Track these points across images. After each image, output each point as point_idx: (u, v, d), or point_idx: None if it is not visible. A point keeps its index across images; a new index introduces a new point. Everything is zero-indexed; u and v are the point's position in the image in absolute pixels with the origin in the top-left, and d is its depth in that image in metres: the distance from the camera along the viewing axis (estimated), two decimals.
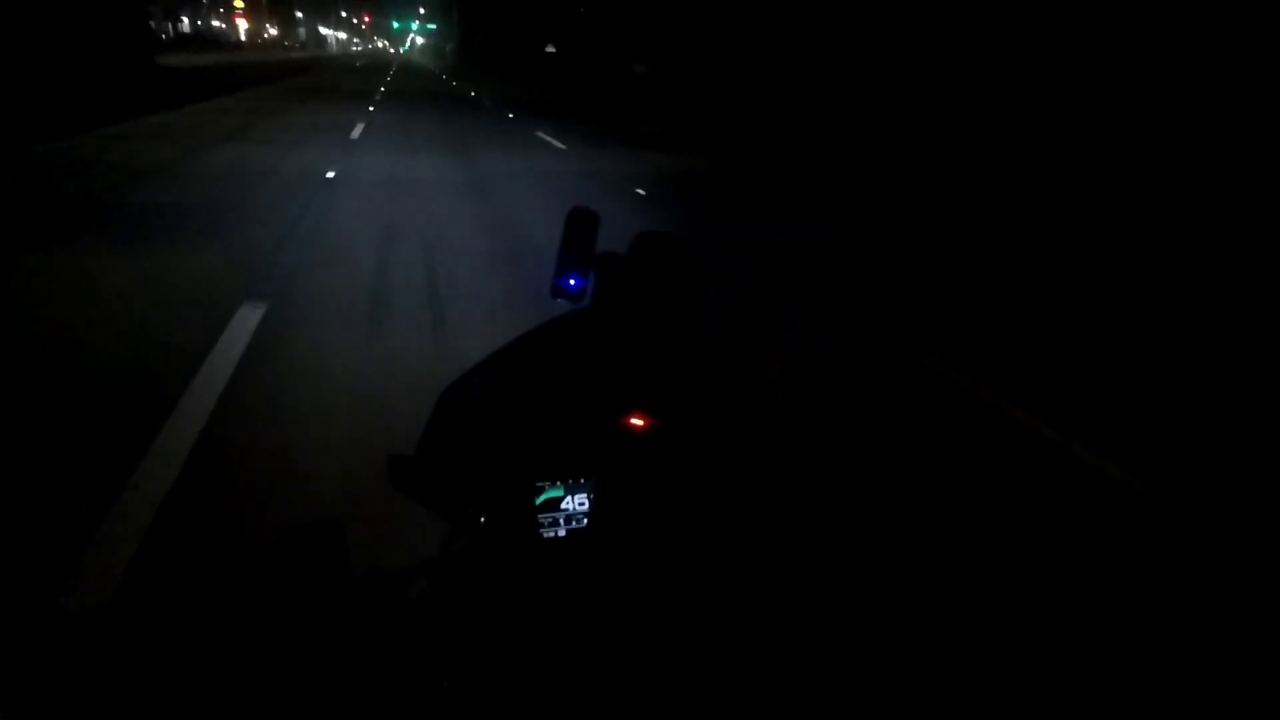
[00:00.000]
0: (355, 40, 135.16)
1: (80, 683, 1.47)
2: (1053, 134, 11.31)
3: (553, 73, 34.62)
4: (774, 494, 0.93)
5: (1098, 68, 11.04)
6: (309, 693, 0.79)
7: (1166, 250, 7.03)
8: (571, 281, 0.95)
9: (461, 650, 0.88)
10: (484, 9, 52.57)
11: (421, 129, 13.34)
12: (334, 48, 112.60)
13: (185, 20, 60.34)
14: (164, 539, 2.13)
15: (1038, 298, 5.29)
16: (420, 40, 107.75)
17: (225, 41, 60.11)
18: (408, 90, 24.10)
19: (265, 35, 78.81)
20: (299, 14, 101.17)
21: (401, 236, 5.87)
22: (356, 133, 11.95)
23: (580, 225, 0.95)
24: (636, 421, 0.91)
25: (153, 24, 45.66)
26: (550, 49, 38.66)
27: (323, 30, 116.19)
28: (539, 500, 0.94)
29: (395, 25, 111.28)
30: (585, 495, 0.95)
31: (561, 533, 0.95)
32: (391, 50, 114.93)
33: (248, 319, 3.82)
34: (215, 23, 68.14)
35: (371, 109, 15.98)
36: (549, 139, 13.23)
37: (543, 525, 0.94)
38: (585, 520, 0.95)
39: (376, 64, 50.68)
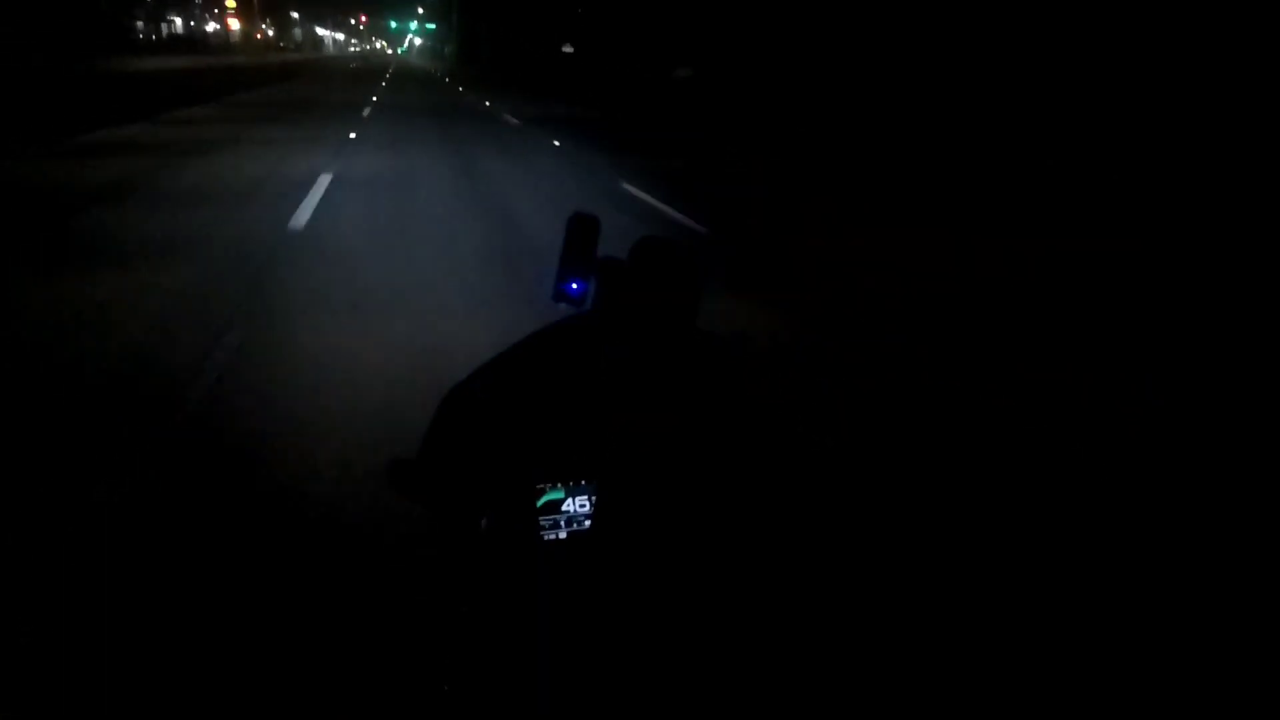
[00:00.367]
0: (353, 41, 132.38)
1: (80, 683, 1.44)
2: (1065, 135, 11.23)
3: (573, 77, 29.86)
4: (774, 495, 0.93)
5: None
6: (311, 694, 0.84)
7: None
8: (573, 286, 0.97)
9: (462, 651, 0.91)
10: (487, 7, 49.08)
11: (428, 172, 8.74)
12: (331, 49, 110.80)
13: (178, 21, 58.93)
14: None
15: None
16: (419, 42, 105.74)
17: (214, 43, 57.80)
18: (405, 102, 19.55)
19: (258, 36, 75.25)
20: (295, 15, 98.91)
21: None
22: (318, 191, 7.38)
23: (582, 230, 0.97)
24: (638, 424, 0.92)
25: (140, 24, 46.69)
26: (568, 49, 34.03)
27: (320, 31, 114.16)
28: (540, 502, 0.94)
29: (393, 26, 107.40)
30: (586, 497, 0.95)
31: (562, 535, 0.95)
32: (389, 51, 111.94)
33: None
34: (212, 25, 66.04)
35: (354, 135, 11.57)
36: (658, 204, 7.54)
37: (544, 527, 0.94)
38: (586, 522, 0.95)
39: (372, 66, 46.33)
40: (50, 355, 3.44)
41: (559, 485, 0.95)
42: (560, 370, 0.95)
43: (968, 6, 14.03)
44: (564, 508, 0.95)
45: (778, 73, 19.71)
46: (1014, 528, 1.77)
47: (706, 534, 0.92)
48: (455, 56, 67.16)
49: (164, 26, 55.96)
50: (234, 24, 68.08)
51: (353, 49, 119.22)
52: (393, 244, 5.68)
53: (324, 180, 7.75)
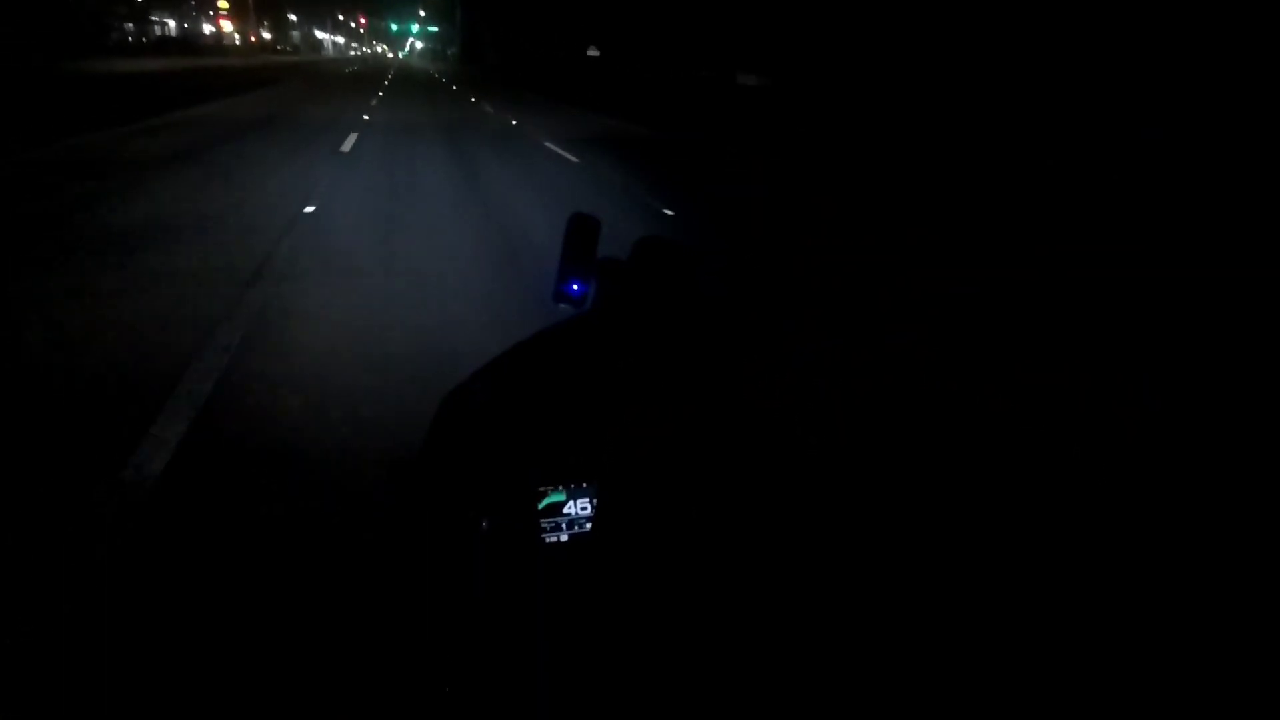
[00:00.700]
0: (354, 44, 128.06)
1: (80, 683, 1.41)
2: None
3: (603, 83, 25.02)
4: (776, 496, 0.93)
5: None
6: (312, 694, 0.81)
7: None
8: (574, 287, 0.98)
9: (463, 654, 0.89)
10: (494, 7, 44.73)
11: (463, 324, 3.99)
12: (330, 51, 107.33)
13: (172, 23, 57.21)
14: None
15: None
16: (419, 45, 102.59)
17: (206, 45, 54.96)
18: (406, 119, 14.81)
19: (253, 38, 71.88)
20: (292, 17, 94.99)
21: None
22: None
23: (581, 231, 0.97)
24: (640, 425, 0.92)
25: (128, 25, 43.71)
26: (593, 51, 29.29)
27: (319, 34, 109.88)
28: (541, 505, 0.93)
29: (393, 28, 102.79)
30: (588, 500, 0.95)
31: (564, 537, 0.94)
32: (390, 54, 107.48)
33: None
34: (207, 27, 64.00)
35: (312, 209, 6.61)
36: None
37: (545, 530, 0.94)
38: (588, 525, 0.95)
39: (370, 71, 41.53)
40: None
41: (560, 487, 0.93)
42: (561, 371, 0.95)
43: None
44: (565, 510, 0.94)
45: (872, 76, 15.28)
46: (1012, 527, 1.51)
47: (708, 538, 0.90)
48: (458, 60, 65.75)
49: (157, 27, 54.12)
50: (227, 25, 65.84)
51: (353, 52, 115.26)
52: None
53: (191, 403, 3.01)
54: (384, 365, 3.31)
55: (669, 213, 7.18)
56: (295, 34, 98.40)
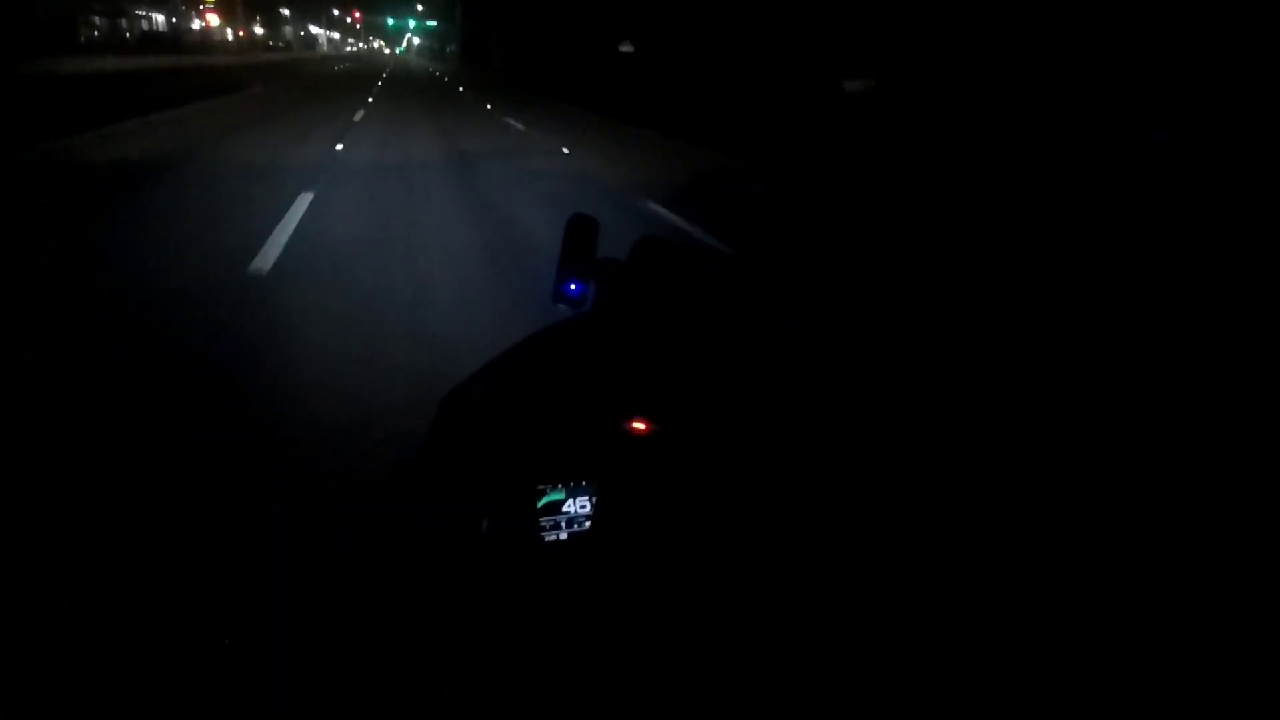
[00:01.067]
0: (350, 41, 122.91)
1: (80, 683, 1.39)
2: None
3: (645, 87, 19.80)
4: (775, 496, 0.92)
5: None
6: (309, 694, 0.77)
7: None
8: (572, 287, 0.97)
9: (462, 654, 0.89)
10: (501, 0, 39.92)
11: None
12: (325, 48, 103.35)
13: (160, 19, 55.66)
14: None
15: None
16: (416, 41, 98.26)
17: (190, 42, 51.52)
18: (402, 153, 9.63)
19: (242, 34, 68.71)
20: (285, 12, 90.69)
21: None
22: None
23: (580, 232, 0.97)
24: (639, 425, 0.92)
25: (98, 20, 41.07)
26: (626, 48, 24.09)
27: (313, 30, 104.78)
28: (540, 503, 0.93)
29: (390, 23, 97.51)
30: (587, 498, 0.94)
31: (563, 536, 0.94)
32: (387, 51, 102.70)
33: None
34: (197, 23, 61.49)
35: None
36: None
37: (544, 528, 0.93)
38: (587, 523, 0.94)
39: (363, 70, 36.44)
40: None
41: (559, 486, 0.93)
42: (561, 371, 0.95)
43: None
44: (564, 509, 0.94)
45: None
46: (1012, 526, 1.37)
47: (707, 537, 0.90)
48: (458, 58, 62.33)
49: (144, 23, 52.65)
50: (214, 20, 63.12)
51: (349, 49, 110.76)
52: None
53: None
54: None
55: None
56: (288, 30, 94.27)
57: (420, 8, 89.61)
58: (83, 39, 37.63)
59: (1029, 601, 1.03)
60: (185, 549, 1.88)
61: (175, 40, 48.85)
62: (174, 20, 58.60)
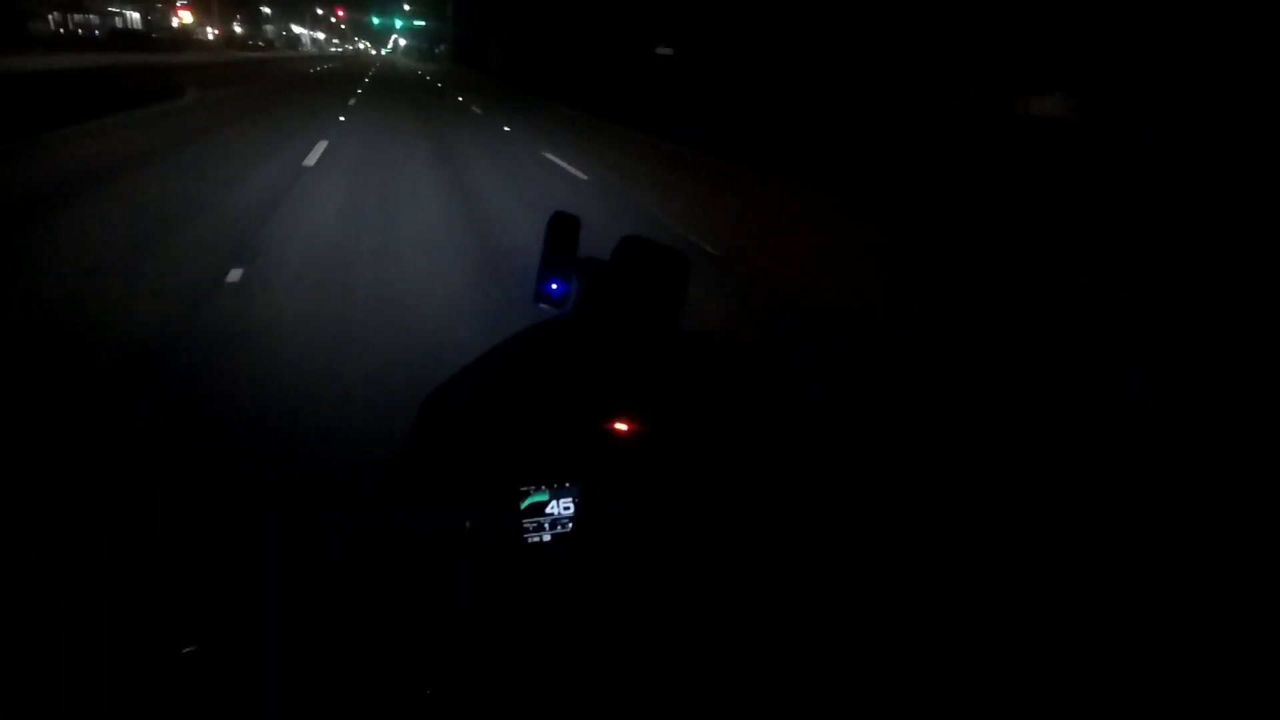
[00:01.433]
0: (334, 40, 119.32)
1: (80, 683, 1.22)
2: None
3: (712, 101, 16.26)
4: (758, 495, 0.91)
5: None
6: (305, 693, 0.78)
7: None
8: (554, 287, 0.95)
9: (446, 655, 0.87)
10: None
11: None
12: (309, 47, 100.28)
13: (135, 15, 54.61)
14: None
15: None
16: (404, 42, 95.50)
17: (161, 40, 48.58)
18: (392, 204, 6.33)
19: (219, 32, 66.78)
20: (266, 10, 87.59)
21: None
22: None
23: (562, 230, 0.94)
24: (622, 426, 0.91)
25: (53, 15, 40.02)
26: (664, 50, 20.59)
27: (295, 29, 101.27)
28: (524, 505, 0.92)
29: (376, 22, 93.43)
30: (570, 499, 0.94)
31: (547, 537, 0.93)
32: (373, 51, 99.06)
33: None
34: (175, 21, 60.65)
35: None
36: None
37: (528, 530, 0.92)
38: (570, 525, 0.94)
39: (347, 69, 32.86)
40: None
41: (543, 487, 0.93)
42: (543, 371, 0.93)
43: None
44: (548, 510, 0.93)
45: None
46: (1009, 527, 1.59)
47: (691, 536, 0.90)
48: (449, 59, 60.64)
49: (118, 19, 51.58)
50: (187, 17, 61.36)
51: (334, 49, 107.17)
52: None
53: None
54: None
55: None
56: (269, 28, 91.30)
57: (407, 7, 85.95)
58: (30, 33, 35.12)
59: (1027, 598, 1.05)
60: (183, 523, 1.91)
61: (147, 38, 46.97)
62: (150, 18, 57.19)
